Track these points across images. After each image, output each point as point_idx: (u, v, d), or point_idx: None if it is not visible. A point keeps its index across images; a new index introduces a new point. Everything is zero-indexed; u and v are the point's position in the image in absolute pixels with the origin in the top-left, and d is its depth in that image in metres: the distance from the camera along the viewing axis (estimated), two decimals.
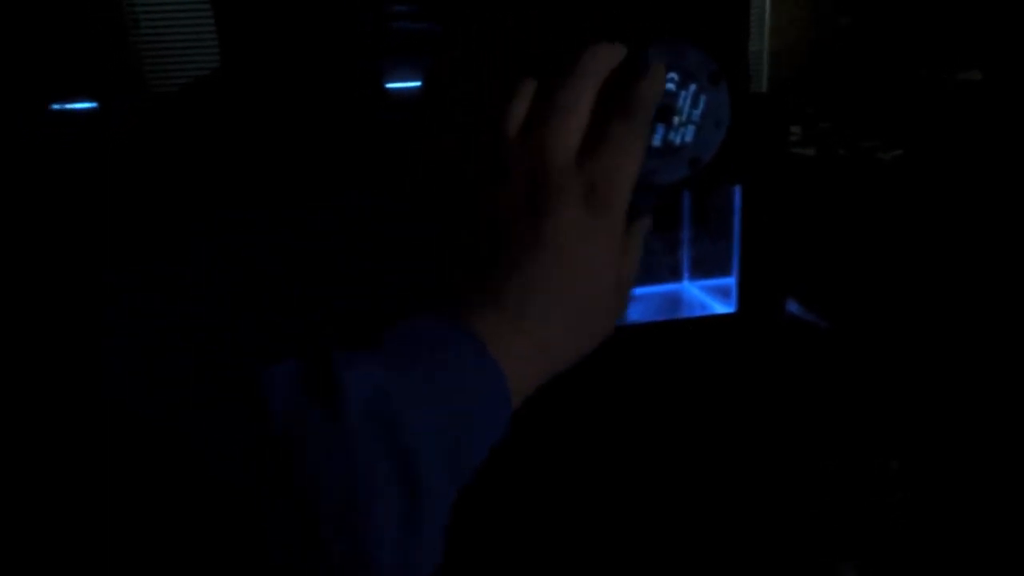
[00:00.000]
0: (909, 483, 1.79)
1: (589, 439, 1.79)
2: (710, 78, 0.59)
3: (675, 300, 2.07)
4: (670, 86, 0.59)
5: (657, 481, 1.77)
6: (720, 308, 1.98)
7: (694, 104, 0.60)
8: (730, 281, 1.96)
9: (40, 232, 1.24)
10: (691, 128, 0.60)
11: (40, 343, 1.22)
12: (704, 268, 2.06)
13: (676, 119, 0.60)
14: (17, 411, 1.23)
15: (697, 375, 1.88)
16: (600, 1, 0.99)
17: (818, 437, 1.89)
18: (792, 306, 2.00)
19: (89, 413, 1.14)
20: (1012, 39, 2.48)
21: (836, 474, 1.83)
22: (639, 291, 2.07)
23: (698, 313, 2.01)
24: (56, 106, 1.93)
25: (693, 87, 0.59)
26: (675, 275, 2.11)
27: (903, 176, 2.29)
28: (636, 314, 1.98)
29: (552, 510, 1.69)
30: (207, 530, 0.89)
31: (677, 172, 0.61)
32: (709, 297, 2.03)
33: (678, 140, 0.60)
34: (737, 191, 1.89)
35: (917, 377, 1.99)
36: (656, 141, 0.60)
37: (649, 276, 2.09)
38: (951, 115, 2.48)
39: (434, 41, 0.98)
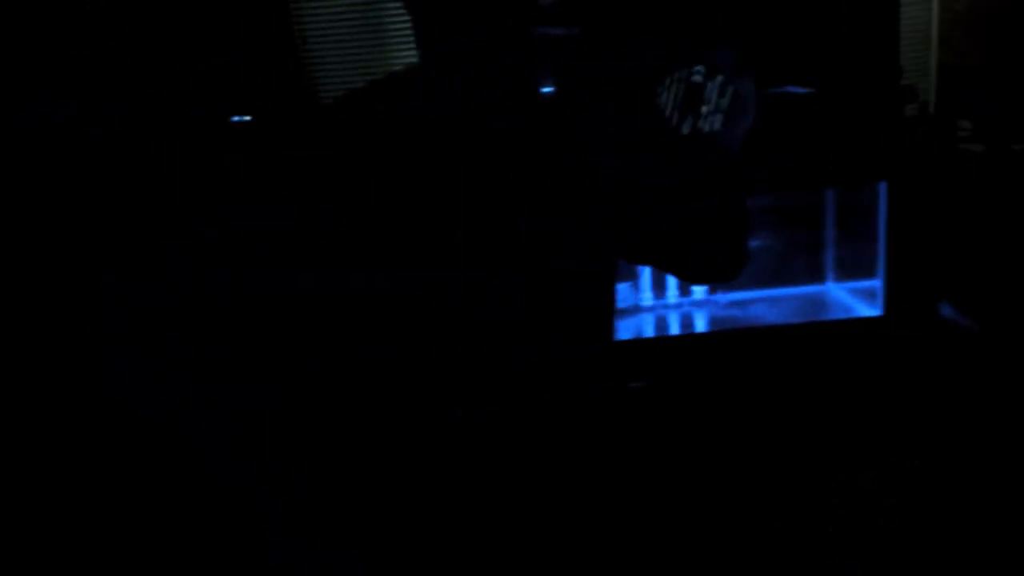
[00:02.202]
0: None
1: (724, 440, 1.77)
2: (735, 70, 0.61)
3: (819, 302, 2.02)
4: (697, 78, 0.61)
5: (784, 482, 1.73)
6: (866, 311, 1.91)
7: (721, 94, 0.61)
8: (876, 283, 1.89)
9: (43, 233, 1.33)
10: (719, 117, 0.61)
11: (42, 344, 1.32)
12: (849, 270, 2.00)
13: (704, 108, 0.61)
14: (17, 411, 1.32)
15: (840, 379, 1.83)
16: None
17: (952, 440, 1.80)
18: (946, 309, 1.90)
19: (88, 413, 1.22)
20: None
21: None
22: (781, 292, 2.04)
23: (842, 316, 1.95)
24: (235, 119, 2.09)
25: (720, 79, 0.61)
26: (818, 277, 2.06)
27: None
28: (778, 315, 1.94)
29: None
30: (206, 530, 0.93)
31: (707, 157, 0.62)
32: (854, 299, 1.97)
33: (706, 128, 0.62)
34: (882, 189, 1.82)
35: None
36: (685, 129, 0.61)
37: (792, 277, 2.04)
38: None
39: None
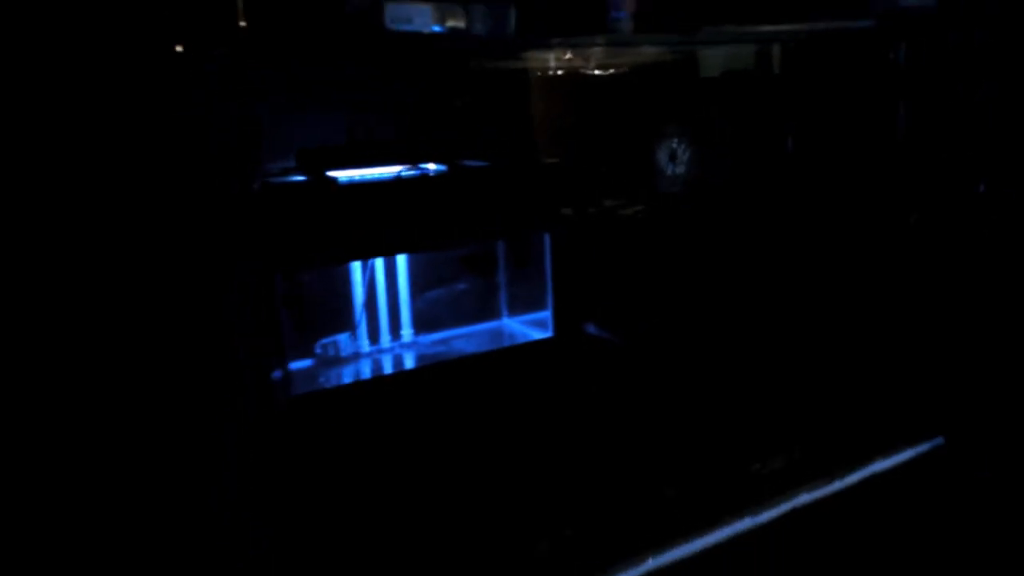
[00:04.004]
0: None
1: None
2: None
3: (502, 333, 2.50)
4: None
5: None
6: (540, 335, 2.43)
7: None
8: (546, 314, 2.41)
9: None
10: None
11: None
12: (521, 306, 2.51)
13: None
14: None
15: (530, 383, 2.31)
16: None
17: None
18: (591, 328, 2.49)
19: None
20: None
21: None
22: (472, 329, 2.48)
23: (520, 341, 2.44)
24: None
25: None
26: (496, 313, 2.54)
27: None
28: (475, 347, 2.37)
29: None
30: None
31: None
32: (529, 328, 2.48)
33: None
34: (546, 239, 2.36)
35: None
36: None
37: (478, 315, 2.50)
38: None
39: None
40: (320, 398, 2.09)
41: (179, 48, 1.46)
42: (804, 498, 2.08)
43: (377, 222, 2.06)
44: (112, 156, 1.42)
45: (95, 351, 1.40)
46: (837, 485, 2.14)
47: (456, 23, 2.01)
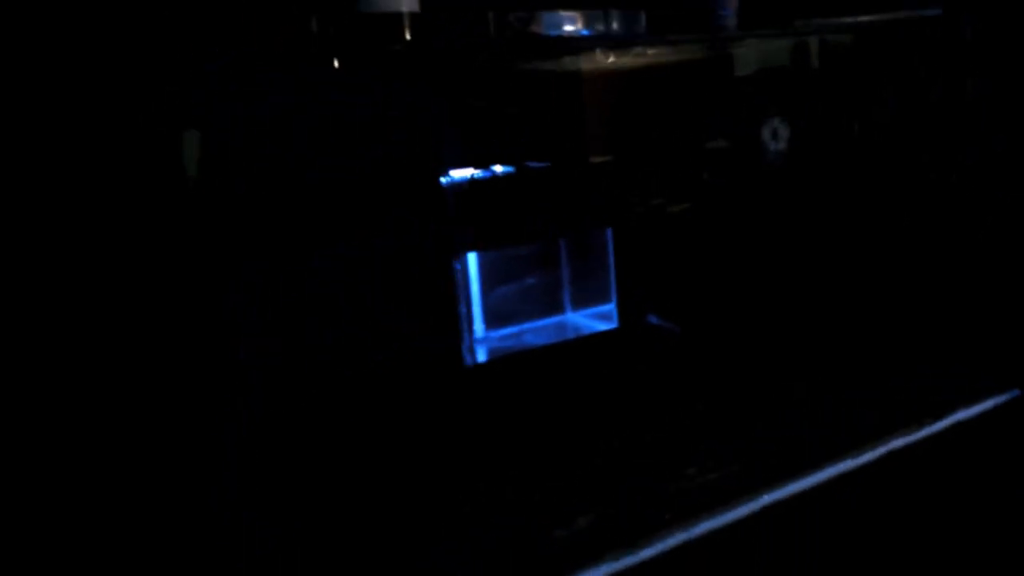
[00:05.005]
0: None
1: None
2: None
3: (567, 326, 2.62)
4: None
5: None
6: (605, 327, 2.54)
7: None
8: (611, 307, 2.53)
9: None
10: None
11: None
12: (585, 300, 2.63)
13: None
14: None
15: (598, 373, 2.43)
16: None
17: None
18: (653, 319, 2.61)
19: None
20: None
21: None
22: (540, 323, 2.60)
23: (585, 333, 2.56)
24: None
25: None
26: (560, 308, 2.66)
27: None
28: (545, 340, 2.50)
29: None
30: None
31: None
32: (594, 321, 2.59)
33: None
34: (609, 234, 2.48)
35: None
36: None
37: (544, 311, 2.62)
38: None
39: None
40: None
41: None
42: (898, 442, 2.37)
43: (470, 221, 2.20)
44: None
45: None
46: (926, 431, 2.42)
47: (598, 26, 2.44)
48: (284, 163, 1.48)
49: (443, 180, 2.08)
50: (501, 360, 2.38)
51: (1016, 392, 2.68)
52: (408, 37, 2.01)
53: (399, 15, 2.05)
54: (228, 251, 1.39)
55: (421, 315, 1.88)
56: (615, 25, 2.45)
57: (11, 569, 1.31)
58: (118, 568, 1.35)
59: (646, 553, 1.95)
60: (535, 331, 2.58)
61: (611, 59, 2.46)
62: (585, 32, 2.43)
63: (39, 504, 1.33)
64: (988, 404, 2.58)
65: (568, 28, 2.37)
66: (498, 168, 2.45)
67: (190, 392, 1.34)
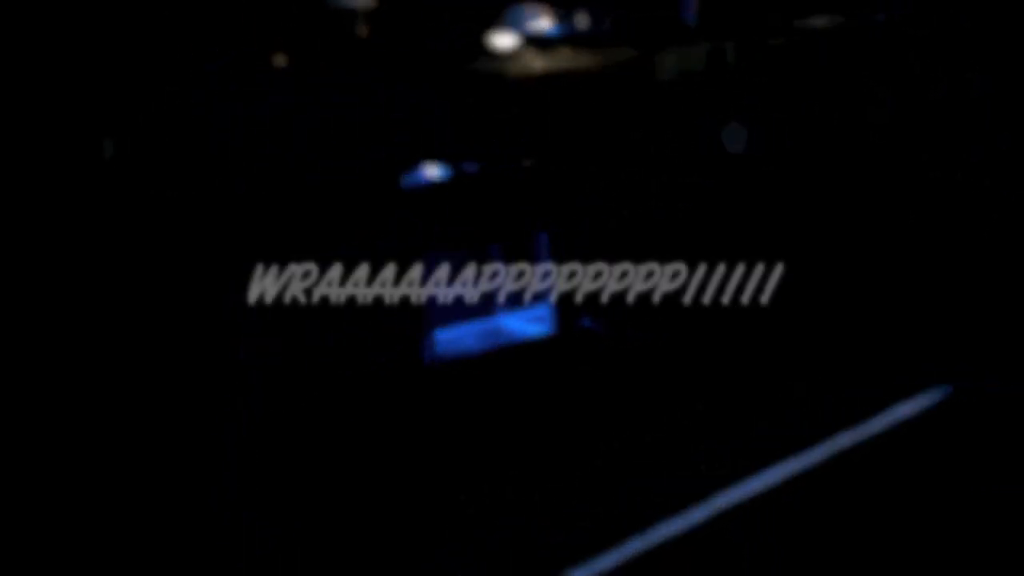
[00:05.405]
0: None
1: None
2: None
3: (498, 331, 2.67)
4: None
5: None
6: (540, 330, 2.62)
7: None
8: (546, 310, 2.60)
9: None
10: None
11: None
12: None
13: None
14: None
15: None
16: None
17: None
18: (585, 321, 2.69)
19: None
20: None
21: None
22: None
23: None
24: None
25: None
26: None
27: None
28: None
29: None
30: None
31: None
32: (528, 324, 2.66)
33: None
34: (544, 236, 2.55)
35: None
36: None
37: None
38: None
39: None
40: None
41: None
42: (843, 440, 2.51)
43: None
44: None
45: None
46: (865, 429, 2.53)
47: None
48: (284, 163, 1.46)
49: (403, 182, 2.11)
50: (460, 360, 2.42)
51: (949, 388, 2.87)
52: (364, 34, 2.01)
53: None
54: (228, 251, 1.37)
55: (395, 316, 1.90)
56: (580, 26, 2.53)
57: (15, 567, 1.27)
58: (120, 566, 1.31)
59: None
60: (472, 333, 2.63)
61: (544, 62, 2.53)
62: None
63: (41, 503, 1.30)
64: (923, 401, 2.75)
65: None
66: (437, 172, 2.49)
67: (190, 392, 1.32)
